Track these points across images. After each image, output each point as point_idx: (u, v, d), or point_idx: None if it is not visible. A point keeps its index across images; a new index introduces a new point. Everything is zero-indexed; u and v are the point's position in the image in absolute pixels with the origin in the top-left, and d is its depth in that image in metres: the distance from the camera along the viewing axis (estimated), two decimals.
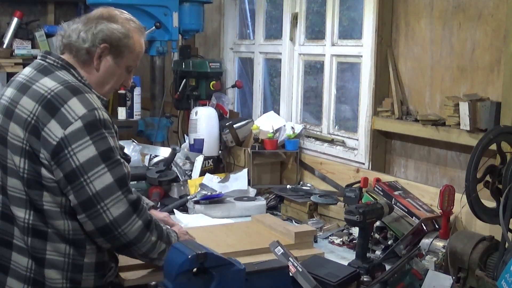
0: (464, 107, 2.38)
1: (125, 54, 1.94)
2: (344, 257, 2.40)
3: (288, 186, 3.19)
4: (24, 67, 4.21)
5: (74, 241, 1.81)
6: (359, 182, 2.75)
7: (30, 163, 1.76)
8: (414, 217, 2.39)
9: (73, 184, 1.73)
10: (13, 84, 1.90)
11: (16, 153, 1.78)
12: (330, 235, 2.66)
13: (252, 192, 3.16)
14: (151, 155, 3.47)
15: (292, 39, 3.59)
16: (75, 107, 1.75)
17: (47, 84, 1.79)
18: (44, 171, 1.75)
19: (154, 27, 3.59)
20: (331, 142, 3.29)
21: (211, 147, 3.49)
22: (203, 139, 3.47)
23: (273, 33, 3.97)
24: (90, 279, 1.85)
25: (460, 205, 2.04)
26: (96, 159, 1.72)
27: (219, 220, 2.81)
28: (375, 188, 2.60)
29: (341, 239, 2.61)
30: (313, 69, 3.73)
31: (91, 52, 1.89)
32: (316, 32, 3.61)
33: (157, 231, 1.89)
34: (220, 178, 3.26)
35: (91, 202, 1.73)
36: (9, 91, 1.88)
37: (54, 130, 1.72)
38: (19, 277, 1.81)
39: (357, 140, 3.11)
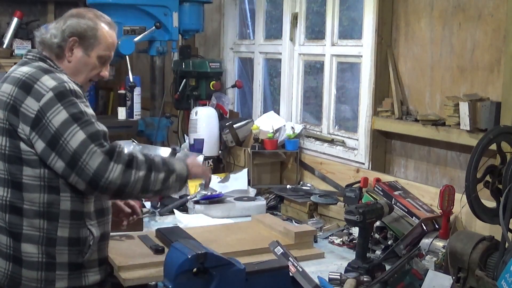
0: (464, 107, 2.38)
1: (94, 45, 2.08)
2: (344, 257, 2.40)
3: (288, 186, 3.19)
4: None
5: (47, 215, 1.93)
6: (359, 182, 2.75)
7: (10, 139, 1.92)
8: (414, 217, 2.39)
9: (56, 149, 1.87)
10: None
11: None
12: (330, 235, 2.66)
13: (252, 192, 3.16)
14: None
15: (292, 39, 3.59)
16: (47, 82, 1.92)
17: (23, 70, 1.99)
18: (23, 145, 1.90)
19: (154, 27, 3.59)
20: (331, 142, 3.29)
21: (211, 147, 3.49)
22: (203, 139, 3.47)
23: (273, 33, 3.97)
24: (64, 253, 1.95)
25: (460, 205, 2.04)
26: (68, 121, 1.87)
27: (219, 220, 2.82)
28: (375, 188, 2.60)
29: (341, 239, 2.61)
30: (313, 69, 3.73)
31: (62, 46, 2.06)
32: (316, 32, 3.61)
33: (146, 164, 1.97)
34: (220, 178, 3.26)
35: (73, 160, 1.86)
36: None
37: (31, 105, 1.89)
38: (2, 255, 1.95)
39: (357, 140, 3.11)
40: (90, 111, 1.98)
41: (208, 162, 3.40)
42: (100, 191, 1.91)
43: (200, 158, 3.34)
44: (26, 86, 1.92)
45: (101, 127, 1.96)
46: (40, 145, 1.89)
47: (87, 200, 1.99)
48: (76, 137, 1.87)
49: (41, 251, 1.92)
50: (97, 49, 2.09)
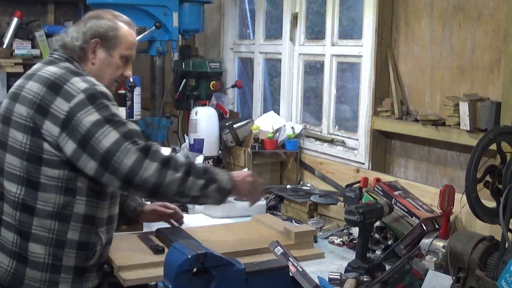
0: (464, 107, 2.38)
1: (116, 44, 2.09)
2: (344, 257, 2.40)
3: (288, 186, 3.19)
4: (24, 67, 4.24)
5: (60, 216, 1.91)
6: (359, 182, 2.75)
7: (32, 138, 1.89)
8: (414, 217, 2.39)
9: (87, 149, 1.85)
10: (23, 76, 2.08)
11: (19, 130, 1.92)
12: (330, 235, 2.66)
13: None
14: None
15: (292, 39, 3.59)
16: (77, 84, 1.92)
17: (51, 69, 1.97)
18: (46, 145, 1.88)
19: (154, 27, 3.59)
20: (331, 142, 3.28)
21: (211, 147, 3.49)
22: (203, 139, 3.47)
23: (273, 33, 3.97)
24: (71, 256, 1.94)
25: (460, 205, 2.04)
26: (100, 122, 1.86)
27: (219, 220, 2.81)
28: (375, 188, 2.60)
29: (341, 239, 2.60)
30: (313, 69, 3.73)
31: (85, 48, 2.06)
32: (316, 32, 3.61)
33: (184, 168, 1.94)
34: None
35: (106, 159, 1.84)
36: (18, 81, 2.07)
37: (61, 105, 1.87)
38: (6, 251, 1.93)
39: (357, 140, 3.11)
40: (120, 113, 1.98)
41: (208, 162, 3.40)
42: (135, 189, 1.89)
43: (200, 158, 3.34)
44: (56, 86, 1.90)
45: (134, 126, 1.95)
46: (70, 146, 1.86)
47: (102, 206, 1.98)
48: (109, 136, 1.85)
49: (49, 252, 1.91)
50: (119, 48, 2.09)
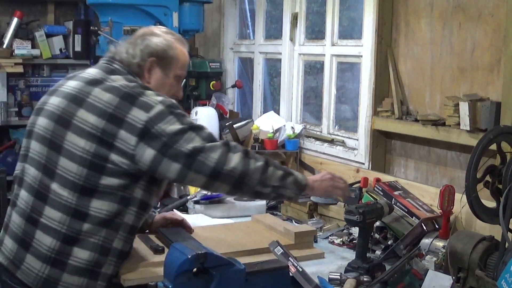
0: (464, 107, 2.38)
1: (171, 64, 2.08)
2: (344, 257, 2.40)
3: None
4: (24, 67, 4.23)
5: (111, 224, 1.89)
6: (359, 182, 2.75)
7: (98, 146, 1.86)
8: (414, 217, 2.39)
9: (168, 154, 1.85)
10: (77, 78, 2.01)
11: (82, 136, 1.87)
12: (330, 235, 2.66)
13: None
14: None
15: (292, 39, 3.59)
16: (153, 96, 1.92)
17: (121, 81, 1.94)
18: (113, 156, 1.86)
19: None
20: (331, 142, 3.28)
21: None
22: None
23: (273, 33, 3.97)
24: (111, 264, 1.93)
25: (460, 205, 2.04)
26: (183, 129, 1.87)
27: (219, 220, 2.81)
28: (375, 188, 2.60)
29: (341, 239, 2.60)
30: (313, 69, 3.73)
31: (142, 66, 2.03)
32: (316, 32, 3.61)
33: (263, 158, 1.98)
34: None
35: (190, 159, 1.85)
36: (74, 83, 1.99)
37: (138, 115, 1.86)
38: (39, 255, 1.87)
39: (357, 140, 3.11)
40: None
41: None
42: (221, 181, 1.89)
43: None
44: (131, 98, 1.89)
45: (209, 130, 1.97)
46: (149, 154, 1.85)
47: (143, 217, 2.00)
48: (193, 142, 1.86)
49: (92, 259, 1.88)
50: (174, 68, 2.08)
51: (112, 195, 1.88)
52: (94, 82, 1.94)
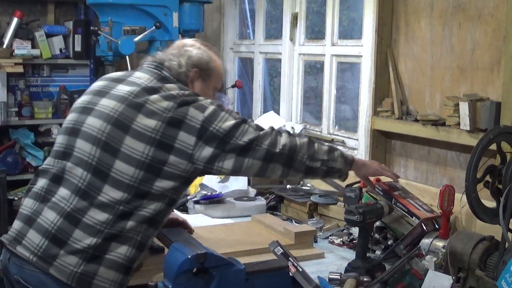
0: (464, 107, 2.38)
1: (211, 76, 2.17)
2: (344, 257, 2.40)
3: (288, 186, 3.18)
4: (24, 67, 4.22)
5: (152, 221, 1.92)
6: (359, 182, 2.75)
7: (157, 150, 1.89)
8: (414, 217, 2.38)
9: (226, 148, 1.93)
10: (130, 83, 2.04)
11: (142, 141, 1.90)
12: (330, 235, 2.65)
13: (252, 192, 3.15)
14: None
15: (292, 39, 3.59)
16: (204, 100, 2.00)
17: (175, 89, 2.00)
18: (172, 158, 1.90)
19: (154, 27, 3.59)
20: (331, 142, 3.28)
21: None
22: None
23: (273, 33, 3.97)
24: (139, 259, 1.94)
25: (460, 205, 2.04)
26: (237, 124, 1.97)
27: (219, 220, 2.81)
28: (375, 188, 2.60)
29: (341, 239, 2.60)
30: (313, 69, 3.73)
31: (187, 75, 2.11)
32: (316, 32, 3.61)
33: (307, 137, 2.12)
34: (220, 178, 3.26)
35: (247, 149, 1.96)
36: (128, 88, 2.01)
37: (196, 115, 1.94)
38: (75, 252, 1.85)
39: (357, 140, 3.11)
40: None
41: None
42: (275, 161, 1.99)
43: None
44: (187, 102, 1.95)
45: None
46: (207, 151, 1.91)
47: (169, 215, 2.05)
48: (247, 132, 1.96)
49: (129, 254, 1.88)
50: (214, 80, 2.18)
51: (163, 196, 1.91)
52: (151, 90, 1.99)
